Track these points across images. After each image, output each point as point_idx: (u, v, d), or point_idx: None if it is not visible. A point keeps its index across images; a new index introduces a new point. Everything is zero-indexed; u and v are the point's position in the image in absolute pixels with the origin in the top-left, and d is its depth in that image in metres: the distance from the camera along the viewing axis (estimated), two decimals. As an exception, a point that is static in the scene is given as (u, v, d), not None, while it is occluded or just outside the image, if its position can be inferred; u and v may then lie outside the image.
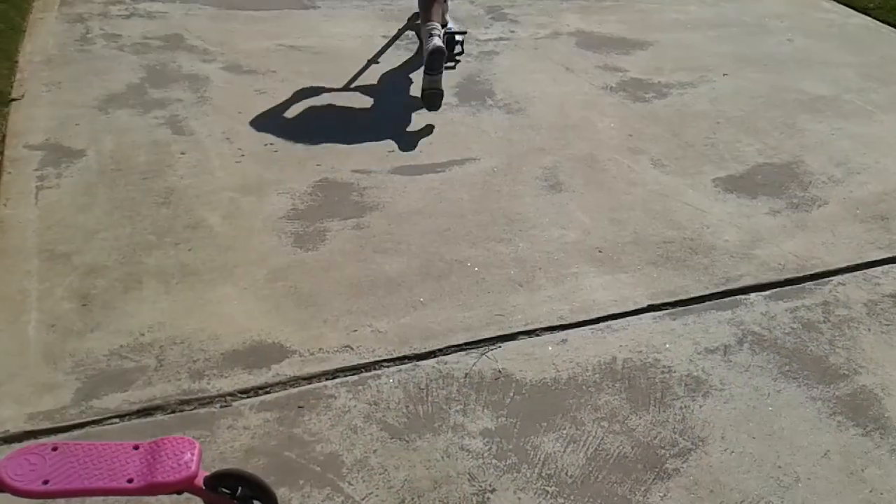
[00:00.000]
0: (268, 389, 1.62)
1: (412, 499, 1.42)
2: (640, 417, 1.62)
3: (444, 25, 3.02)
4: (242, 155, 2.49)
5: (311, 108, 2.80)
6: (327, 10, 3.68)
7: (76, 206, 2.16)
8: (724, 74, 3.28)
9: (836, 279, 2.11)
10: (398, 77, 3.09)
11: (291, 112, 2.77)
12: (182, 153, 2.46)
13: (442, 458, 1.50)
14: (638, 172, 2.56)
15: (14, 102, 2.63)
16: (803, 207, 2.42)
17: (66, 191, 2.22)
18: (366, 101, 2.89)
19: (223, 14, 3.52)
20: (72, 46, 3.07)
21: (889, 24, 4.00)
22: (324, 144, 2.59)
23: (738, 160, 2.66)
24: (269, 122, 2.69)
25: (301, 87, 2.94)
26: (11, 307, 1.78)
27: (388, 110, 2.84)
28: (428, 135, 2.69)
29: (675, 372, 1.74)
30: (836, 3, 4.24)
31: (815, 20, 4.00)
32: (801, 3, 4.26)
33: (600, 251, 2.15)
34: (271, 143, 2.57)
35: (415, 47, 3.34)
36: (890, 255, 2.22)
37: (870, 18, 4.07)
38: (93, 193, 2.22)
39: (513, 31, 3.60)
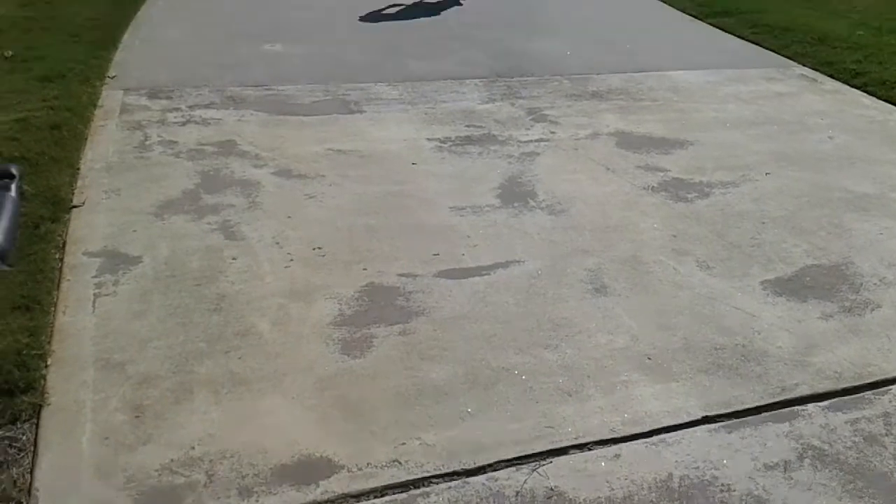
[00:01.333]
0: (316, 506, 1.61)
1: None
2: (699, 539, 1.57)
3: None
4: (291, 259, 2.54)
5: (358, 212, 2.86)
6: (373, 115, 3.80)
7: (131, 313, 2.21)
8: (766, 173, 3.30)
9: (895, 388, 2.04)
10: (440, 179, 3.15)
11: (339, 215, 2.83)
12: (233, 258, 2.52)
13: (494, 582, 1.46)
14: (684, 275, 2.55)
15: (75, 209, 2.73)
16: (856, 311, 2.38)
17: (122, 298, 2.28)
18: (410, 204, 2.94)
19: (274, 120, 3.66)
20: (131, 153, 3.20)
21: (931, 119, 4.00)
22: (370, 248, 2.63)
23: (785, 261, 2.64)
24: (318, 226, 2.76)
25: (348, 190, 3.02)
26: (67, 419, 1.81)
27: (431, 213, 2.89)
28: (471, 237, 2.73)
29: (734, 490, 1.69)
30: (875, 100, 4.27)
31: (856, 117, 4.02)
32: (841, 100, 4.29)
33: (650, 358, 2.12)
34: (319, 248, 2.62)
35: (460, 150, 3.42)
36: (950, 362, 2.16)
37: (911, 114, 4.07)
38: (148, 300, 2.27)
39: (553, 132, 3.68)
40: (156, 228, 2.67)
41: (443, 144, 3.47)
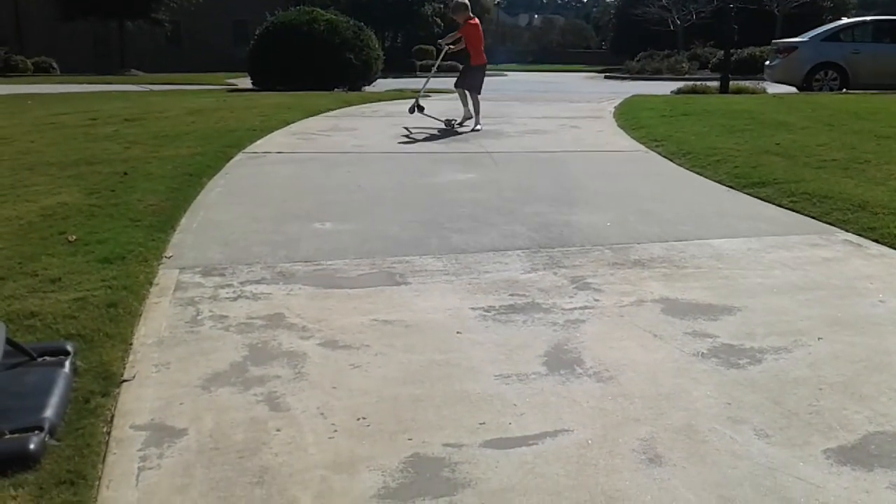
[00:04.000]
0: None
1: None
2: None
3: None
4: (335, 430, 2.51)
5: (403, 381, 2.85)
6: (417, 286, 3.87)
7: (174, 487, 2.18)
8: (818, 338, 3.22)
9: None
10: (485, 348, 3.15)
11: (384, 385, 2.82)
12: (278, 430, 2.50)
13: None
14: (741, 444, 2.44)
15: (125, 383, 2.78)
16: (930, 481, 2.23)
17: (165, 471, 2.26)
18: (455, 373, 2.93)
19: (321, 293, 3.76)
20: (182, 328, 3.29)
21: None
22: (415, 418, 2.60)
23: (846, 429, 2.52)
24: (363, 395, 2.75)
25: (393, 360, 3.03)
26: None
27: (477, 381, 2.86)
28: (518, 405, 2.68)
29: None
30: (924, 263, 4.22)
31: (906, 280, 3.96)
32: (888, 264, 4.26)
33: (711, 534, 2.00)
34: (364, 418, 2.59)
35: (504, 319, 3.44)
36: None
37: (963, 276, 4.01)
38: (191, 474, 2.25)
39: (597, 300, 3.69)
40: (202, 401, 2.68)
41: (487, 313, 3.50)
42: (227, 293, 3.71)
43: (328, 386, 2.81)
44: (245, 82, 20.98)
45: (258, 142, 8.49)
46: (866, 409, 2.65)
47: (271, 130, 9.35)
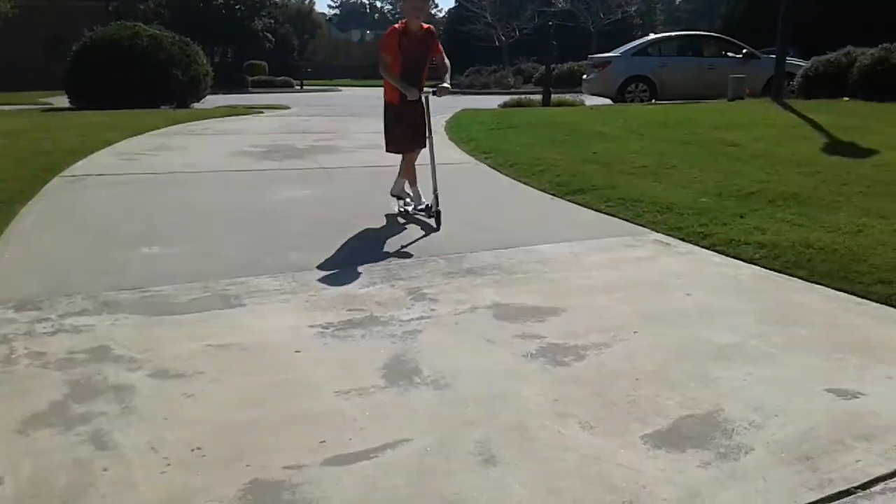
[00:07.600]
0: None
1: None
2: None
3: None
4: (168, 464, 2.43)
5: (240, 406, 2.80)
6: (253, 307, 3.81)
7: (-13, 541, 2.03)
8: (634, 332, 3.48)
9: (777, 527, 2.11)
10: (325, 364, 3.15)
11: (220, 412, 2.76)
12: (105, 469, 2.38)
13: None
14: (568, 437, 2.60)
15: (-73, 434, 2.55)
16: (731, 456, 2.47)
17: (-23, 525, 2.10)
18: (295, 392, 2.91)
19: (150, 321, 3.60)
20: (-7, 369, 3.05)
21: (775, 270, 4.39)
22: (253, 442, 2.56)
23: (661, 415, 2.75)
24: (197, 425, 2.67)
25: (229, 385, 2.96)
26: None
27: (316, 399, 2.86)
28: (358, 420, 2.70)
29: None
30: (725, 258, 4.66)
31: (709, 275, 4.36)
32: (694, 259, 4.66)
33: (541, 526, 2.11)
34: (199, 448, 2.52)
35: (343, 334, 3.45)
36: (822, 495, 2.25)
37: (757, 268, 4.46)
38: (7, 525, 2.10)
39: (433, 310, 3.79)
40: (19, 446, 2.51)
41: (325, 330, 3.50)
42: (44, 328, 3.48)
43: (159, 418, 2.71)
44: (62, 101, 19.64)
45: (78, 164, 7.99)
46: (677, 395, 2.89)
47: (92, 151, 8.82)
